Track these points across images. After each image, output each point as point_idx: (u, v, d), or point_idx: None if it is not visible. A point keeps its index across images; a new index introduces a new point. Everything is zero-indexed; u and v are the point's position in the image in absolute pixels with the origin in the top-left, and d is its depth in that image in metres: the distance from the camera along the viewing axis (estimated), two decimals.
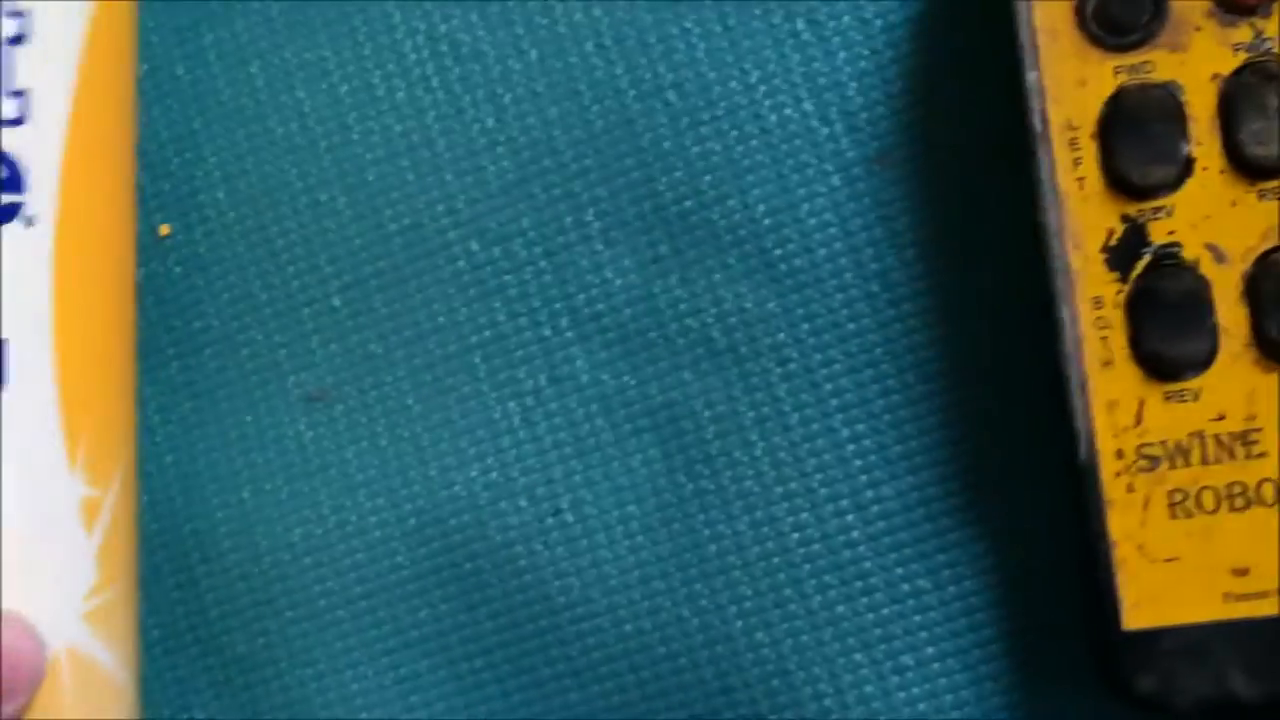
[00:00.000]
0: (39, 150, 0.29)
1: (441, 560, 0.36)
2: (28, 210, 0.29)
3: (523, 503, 0.35)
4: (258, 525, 0.36)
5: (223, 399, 0.37)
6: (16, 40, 0.28)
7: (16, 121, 0.29)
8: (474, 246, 0.36)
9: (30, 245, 0.29)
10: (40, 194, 0.29)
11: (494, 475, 0.36)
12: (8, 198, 0.29)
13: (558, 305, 0.35)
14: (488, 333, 0.36)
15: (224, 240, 0.37)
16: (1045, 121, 0.30)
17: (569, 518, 0.35)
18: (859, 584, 0.33)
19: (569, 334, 0.35)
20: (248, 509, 0.36)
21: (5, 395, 0.29)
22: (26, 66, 0.29)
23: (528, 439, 0.35)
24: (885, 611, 0.33)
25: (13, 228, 0.29)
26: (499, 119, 0.36)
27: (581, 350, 0.35)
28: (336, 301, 0.37)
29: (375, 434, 0.36)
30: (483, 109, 0.36)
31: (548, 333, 0.35)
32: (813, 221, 0.34)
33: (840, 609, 0.33)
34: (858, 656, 0.33)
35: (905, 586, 0.33)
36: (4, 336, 0.29)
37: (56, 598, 0.30)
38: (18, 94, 0.29)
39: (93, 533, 0.30)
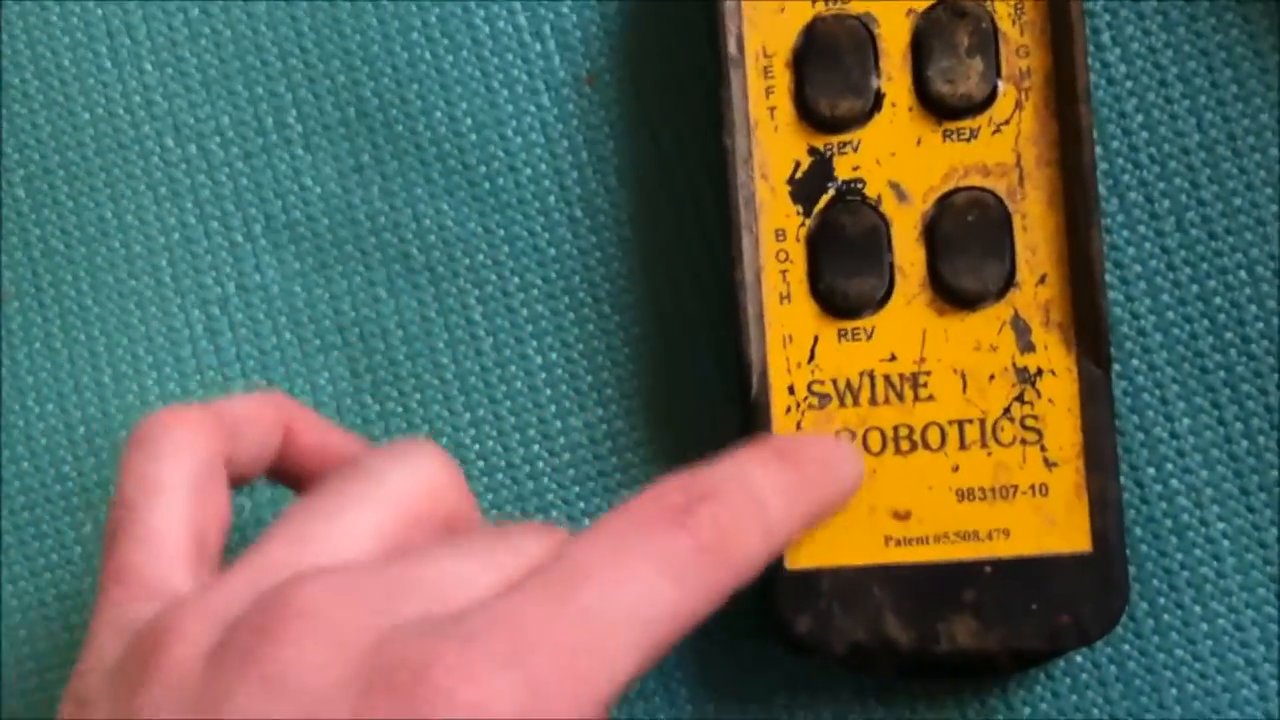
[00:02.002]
0: None
1: (109, 473, 0.34)
2: None
3: None
4: None
5: None
6: None
7: None
8: (169, 142, 0.34)
9: None
10: None
11: (172, 386, 0.34)
12: None
13: (252, 210, 0.34)
14: (176, 234, 0.34)
15: None
16: (741, 46, 0.29)
17: None
18: (540, 516, 0.32)
19: (262, 241, 0.34)
20: None
21: None
22: None
23: (210, 349, 0.34)
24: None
25: None
26: (204, 9, 0.34)
27: (274, 259, 0.34)
28: (20, 192, 0.34)
29: (49, 334, 0.34)
30: None
31: (239, 238, 0.34)
32: (519, 140, 0.33)
33: None
34: None
35: (587, 522, 0.32)
36: None
37: None
38: None
39: None
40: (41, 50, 0.34)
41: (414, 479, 0.24)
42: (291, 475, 0.28)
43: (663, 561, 0.22)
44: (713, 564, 0.22)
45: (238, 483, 0.27)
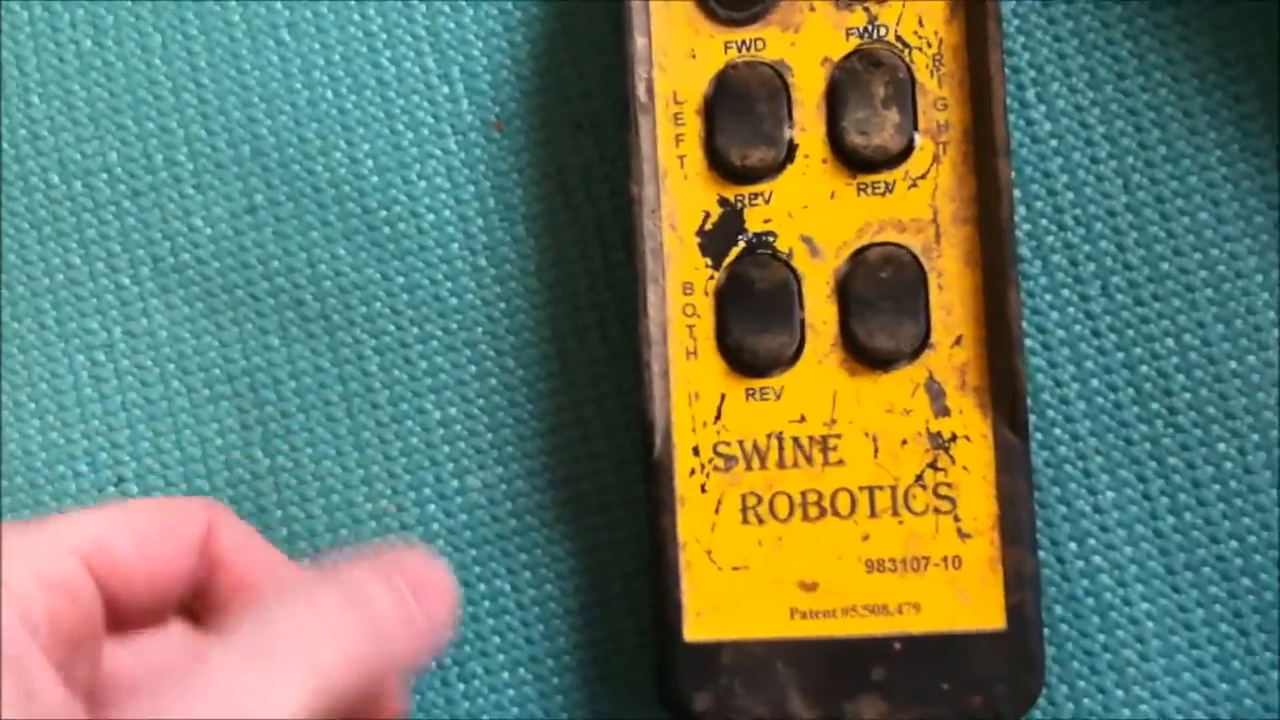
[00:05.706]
0: None
1: None
2: None
3: (83, 467, 0.32)
4: None
5: None
6: None
7: None
8: (54, 178, 0.32)
9: None
10: None
11: (54, 435, 0.32)
12: None
13: (140, 251, 0.32)
14: (60, 275, 0.32)
15: None
16: (651, 92, 0.28)
17: (132, 488, 0.31)
18: None
19: (149, 284, 0.32)
20: None
21: None
22: None
23: (94, 397, 0.32)
24: (458, 612, 0.31)
25: None
26: (97, 41, 0.32)
27: (161, 303, 0.32)
28: None
29: None
30: (80, 29, 0.32)
31: (126, 280, 0.32)
32: (423, 185, 0.31)
33: None
34: None
35: (482, 587, 0.31)
36: None
37: None
38: None
39: None
40: None
41: None
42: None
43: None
44: None
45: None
